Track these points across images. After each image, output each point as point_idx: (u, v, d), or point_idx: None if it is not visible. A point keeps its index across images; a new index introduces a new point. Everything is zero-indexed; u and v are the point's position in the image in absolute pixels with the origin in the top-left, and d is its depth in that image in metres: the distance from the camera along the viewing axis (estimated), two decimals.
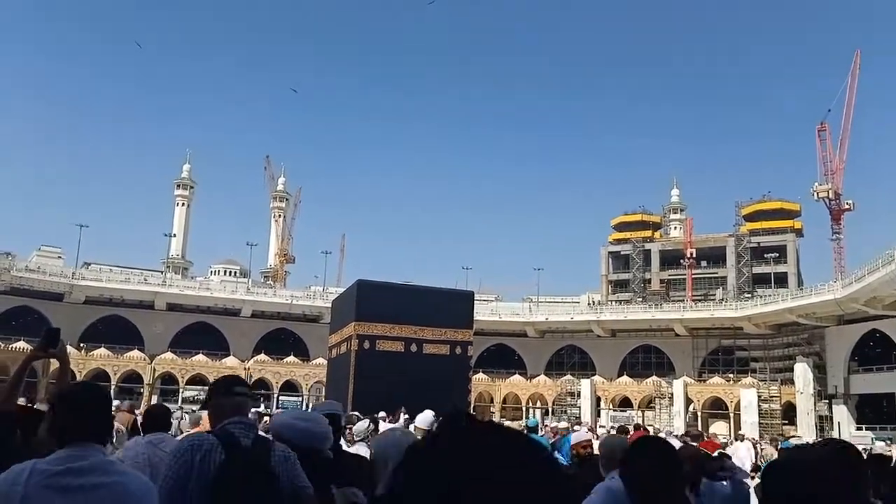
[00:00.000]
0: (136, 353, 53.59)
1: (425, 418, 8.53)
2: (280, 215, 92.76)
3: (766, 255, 65.16)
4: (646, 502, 2.68)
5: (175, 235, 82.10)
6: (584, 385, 53.74)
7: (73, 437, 2.17)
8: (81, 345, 53.27)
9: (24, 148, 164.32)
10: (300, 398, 53.78)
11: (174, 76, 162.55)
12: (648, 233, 75.43)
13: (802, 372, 48.34)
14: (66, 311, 55.69)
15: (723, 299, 62.70)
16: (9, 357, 47.32)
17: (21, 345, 48.88)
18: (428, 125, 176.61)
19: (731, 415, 49.92)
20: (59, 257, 71.33)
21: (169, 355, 54.03)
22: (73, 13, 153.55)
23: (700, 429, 43.81)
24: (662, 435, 15.74)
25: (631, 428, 17.04)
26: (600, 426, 27.39)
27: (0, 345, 47.51)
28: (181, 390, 52.40)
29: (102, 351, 52.25)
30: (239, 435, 2.88)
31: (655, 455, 2.77)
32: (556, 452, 10.95)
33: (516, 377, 58.71)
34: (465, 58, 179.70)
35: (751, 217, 71.27)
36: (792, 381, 49.55)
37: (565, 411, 52.13)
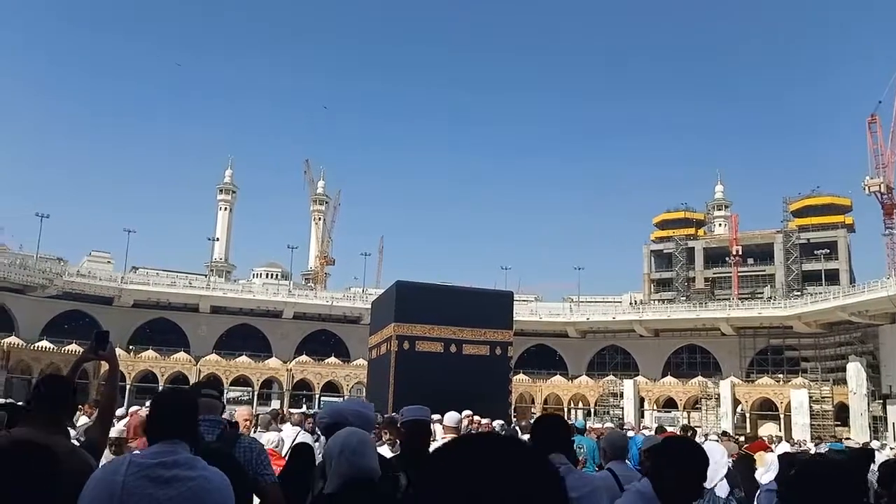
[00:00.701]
0: (182, 354, 54.68)
1: (452, 417, 8.63)
2: (320, 218, 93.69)
3: (815, 252, 63.33)
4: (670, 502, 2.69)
5: (218, 239, 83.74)
6: (627, 386, 52.95)
7: (163, 436, 2.42)
8: (130, 347, 54.63)
9: (73, 156, 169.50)
10: (341, 399, 54.18)
11: (215, 82, 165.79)
12: (692, 230, 74.03)
13: (855, 371, 46.91)
14: (116, 314, 57.11)
15: (771, 297, 61.14)
16: (62, 360, 48.78)
17: (73, 348, 50.27)
18: (466, 126, 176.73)
19: (782, 416, 48.62)
20: (109, 262, 73.43)
21: (213, 357, 54.97)
22: (112, 21, 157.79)
23: (749, 430, 42.81)
24: (707, 436, 15.29)
25: (678, 430, 16.67)
26: (644, 427, 26.88)
27: (53, 348, 48.88)
28: (226, 391, 53.24)
29: (150, 353, 53.46)
30: (204, 431, 3.40)
31: (677, 456, 2.75)
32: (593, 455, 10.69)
33: (557, 378, 58.15)
34: (504, 57, 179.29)
35: (799, 213, 69.38)
36: (844, 381, 48.16)
37: (608, 412, 51.43)
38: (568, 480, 2.96)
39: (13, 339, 47.79)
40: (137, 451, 2.57)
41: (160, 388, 50.50)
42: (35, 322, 53.67)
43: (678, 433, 14.54)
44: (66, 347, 49.91)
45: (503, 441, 0.89)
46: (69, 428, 3.41)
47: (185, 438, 2.48)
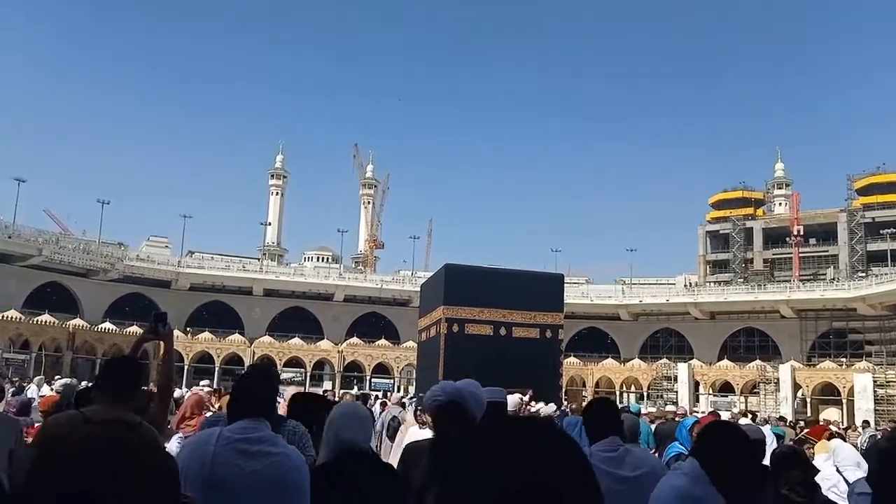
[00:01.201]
0: (237, 336, 55.83)
1: (511, 401, 8.88)
2: (369, 202, 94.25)
3: (882, 231, 60.63)
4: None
5: (270, 224, 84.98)
6: (682, 369, 51.82)
7: (247, 413, 2.61)
8: (187, 329, 56.06)
9: (132, 145, 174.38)
10: (392, 381, 54.61)
11: (265, 70, 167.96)
12: (750, 210, 71.74)
13: None
14: (173, 297, 58.65)
15: (834, 279, 58.97)
16: (124, 341, 50.39)
17: (134, 329, 51.87)
18: (515, 110, 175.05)
19: (844, 401, 46.94)
20: (166, 246, 75.42)
21: (267, 339, 55.98)
22: (162, 11, 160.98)
23: (809, 415, 41.46)
24: (767, 420, 14.69)
25: (735, 412, 16.10)
26: (694, 412, 26.22)
27: (115, 329, 50.49)
28: (280, 373, 54.25)
29: (206, 335, 54.72)
30: None
31: (720, 442, 2.60)
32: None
33: (609, 361, 57.32)
34: (552, 40, 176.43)
35: (864, 191, 66.47)
36: None
37: (661, 396, 50.51)
38: (627, 459, 3.19)
39: (78, 321, 49.26)
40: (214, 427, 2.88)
41: (216, 368, 51.80)
42: (98, 305, 55.49)
43: (731, 418, 14.02)
44: (128, 329, 51.48)
45: (530, 425, 0.87)
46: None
47: (267, 417, 2.70)
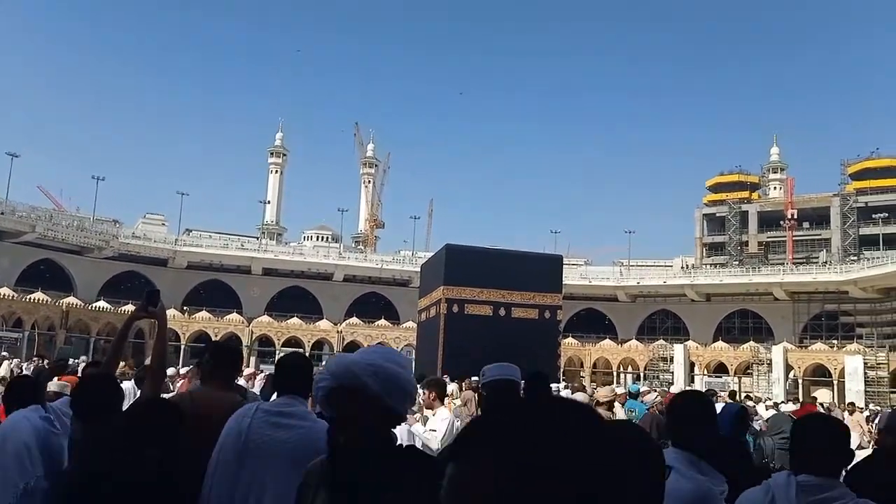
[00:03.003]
0: (234, 315, 55.78)
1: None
2: (369, 181, 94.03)
3: (874, 216, 61.19)
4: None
5: (269, 202, 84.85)
6: (678, 350, 52.43)
7: (285, 391, 2.92)
8: (184, 308, 56.07)
9: (128, 120, 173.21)
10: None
11: (265, 46, 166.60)
12: (746, 193, 72.19)
13: None
14: (170, 276, 58.71)
15: (827, 262, 59.54)
16: (119, 320, 50.49)
17: (129, 308, 51.88)
18: (515, 92, 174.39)
19: (835, 382, 47.66)
20: (163, 224, 75.27)
21: (265, 318, 56.12)
22: None
23: (801, 396, 42.15)
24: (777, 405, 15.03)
25: (725, 395, 16.47)
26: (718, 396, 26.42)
27: (110, 308, 50.49)
28: (277, 352, 54.51)
29: (204, 314, 54.51)
30: None
31: (823, 438, 2.47)
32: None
33: (607, 342, 57.90)
34: (553, 22, 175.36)
35: (858, 175, 66.95)
36: None
37: (657, 377, 51.15)
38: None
39: (71, 300, 48.95)
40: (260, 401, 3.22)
41: None
42: (92, 283, 55.30)
43: (727, 398, 14.44)
44: (123, 308, 51.35)
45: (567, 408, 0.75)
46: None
47: (302, 394, 2.99)
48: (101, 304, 50.60)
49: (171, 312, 53.85)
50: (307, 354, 53.86)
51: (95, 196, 78.08)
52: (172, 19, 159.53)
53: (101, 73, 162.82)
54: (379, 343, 55.12)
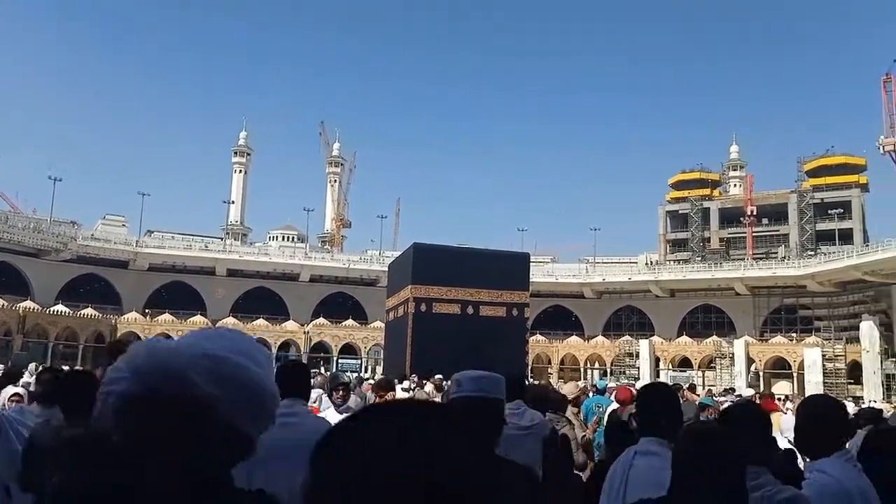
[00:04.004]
0: (199, 318, 54.83)
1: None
2: (336, 180, 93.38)
3: (830, 212, 62.80)
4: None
5: (234, 202, 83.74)
6: (643, 346, 53.18)
7: (287, 393, 3.05)
8: (146, 311, 55.08)
9: (87, 119, 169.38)
10: (359, 360, 54.76)
11: (229, 42, 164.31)
12: (707, 191, 73.46)
13: (868, 330, 46.84)
14: (131, 278, 57.62)
15: (785, 257, 60.95)
16: (77, 324, 49.42)
17: (89, 312, 50.81)
18: (481, 89, 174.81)
19: (795, 375, 48.82)
20: (123, 225, 73.74)
21: (231, 320, 55.30)
22: None
23: (762, 388, 43.05)
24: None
25: (686, 388, 16.68)
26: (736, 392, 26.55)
27: (69, 312, 49.39)
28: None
29: (167, 316, 53.50)
30: None
31: (750, 429, 2.55)
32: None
33: (574, 338, 58.46)
34: (518, 21, 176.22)
35: (814, 173, 68.59)
36: (858, 340, 48.12)
37: (624, 372, 51.80)
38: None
39: (28, 304, 47.89)
40: None
41: None
42: (50, 286, 53.92)
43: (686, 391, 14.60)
44: (82, 311, 50.39)
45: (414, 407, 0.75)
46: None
47: (302, 396, 3.29)
48: (60, 307, 49.54)
49: (132, 315, 52.99)
50: (273, 356, 53.88)
51: (53, 197, 75.93)
52: (132, 12, 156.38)
53: (59, 70, 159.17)
54: (346, 343, 55.19)
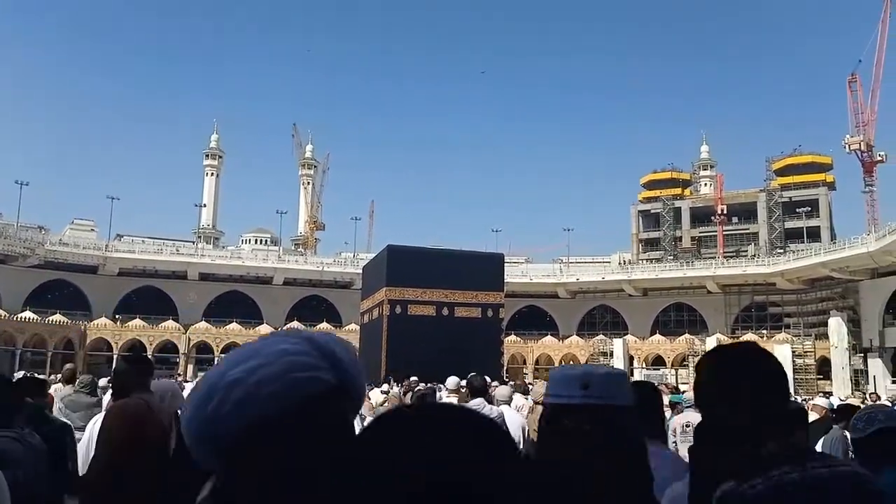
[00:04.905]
0: (170, 323, 54.28)
1: (453, 381, 8.89)
2: (309, 182, 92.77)
3: (797, 210, 63.95)
4: None
5: (205, 205, 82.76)
6: (617, 345, 53.59)
7: None
8: (117, 316, 54.25)
9: (54, 122, 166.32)
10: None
11: (199, 43, 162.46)
12: (678, 190, 74.36)
13: (837, 326, 47.68)
14: (101, 283, 56.67)
15: (755, 255, 61.85)
16: (46, 331, 48.46)
17: (58, 318, 49.83)
18: (454, 88, 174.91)
19: None
20: (92, 230, 72.44)
21: (203, 325, 54.78)
22: None
23: None
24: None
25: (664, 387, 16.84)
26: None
27: (37, 318, 48.43)
28: (216, 359, 53.26)
29: (137, 322, 52.86)
30: None
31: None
32: None
33: (548, 338, 58.75)
34: (491, 20, 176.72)
35: (782, 172, 69.83)
36: (826, 336, 48.96)
37: None
38: None
39: None
40: None
41: (148, 357, 50.25)
42: (17, 292, 52.66)
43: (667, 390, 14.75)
44: (51, 318, 49.42)
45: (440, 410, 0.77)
46: None
47: None
48: (28, 314, 48.68)
49: (102, 321, 52.11)
50: None
51: (19, 202, 74.21)
52: (100, 11, 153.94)
53: (24, 71, 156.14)
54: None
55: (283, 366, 0.87)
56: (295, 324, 56.08)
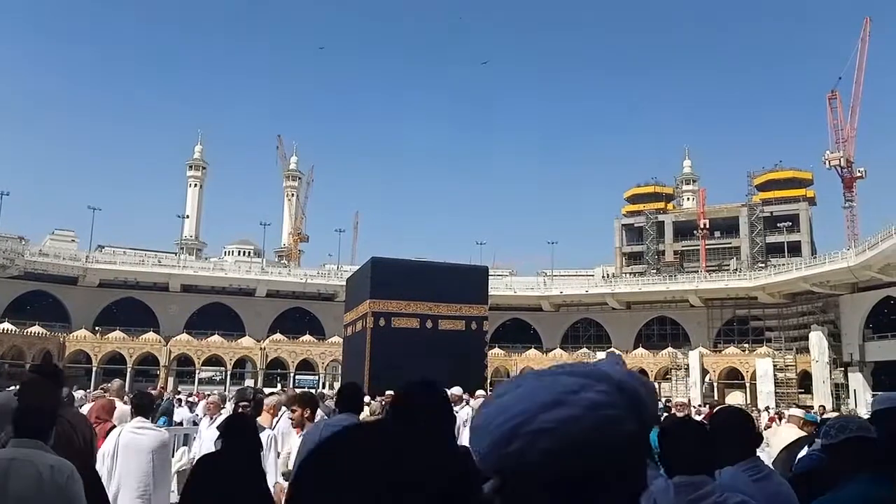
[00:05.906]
0: (151, 335, 53.66)
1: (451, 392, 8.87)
2: (293, 194, 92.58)
3: (779, 225, 64.62)
4: None
5: (188, 217, 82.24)
6: (600, 358, 53.62)
7: (345, 409, 4.36)
8: (97, 328, 53.60)
9: (36, 132, 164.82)
10: (316, 377, 54.13)
11: (184, 54, 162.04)
12: (661, 204, 75.00)
13: (817, 340, 48.06)
14: (81, 294, 56.04)
15: (737, 269, 62.36)
16: (25, 342, 47.78)
17: (37, 329, 49.18)
18: (439, 102, 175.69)
19: (748, 385, 49.80)
20: (73, 241, 71.74)
21: (184, 337, 54.22)
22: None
23: (716, 399, 43.82)
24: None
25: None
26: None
27: (16, 330, 47.78)
28: (197, 371, 52.75)
29: (118, 334, 52.19)
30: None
31: (690, 439, 2.52)
32: None
33: (532, 351, 58.74)
34: (475, 32, 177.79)
35: (763, 186, 70.67)
36: (807, 350, 49.29)
37: None
38: None
39: None
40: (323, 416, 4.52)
41: (129, 369, 49.57)
42: None
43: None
44: (30, 329, 48.76)
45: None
46: None
47: (357, 412, 4.54)
48: (6, 325, 48.08)
49: (82, 333, 51.44)
50: (229, 373, 52.85)
51: None
52: (82, 18, 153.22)
53: (4, 79, 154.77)
54: (303, 359, 54.37)
55: (594, 421, 0.81)
56: (278, 336, 55.84)
